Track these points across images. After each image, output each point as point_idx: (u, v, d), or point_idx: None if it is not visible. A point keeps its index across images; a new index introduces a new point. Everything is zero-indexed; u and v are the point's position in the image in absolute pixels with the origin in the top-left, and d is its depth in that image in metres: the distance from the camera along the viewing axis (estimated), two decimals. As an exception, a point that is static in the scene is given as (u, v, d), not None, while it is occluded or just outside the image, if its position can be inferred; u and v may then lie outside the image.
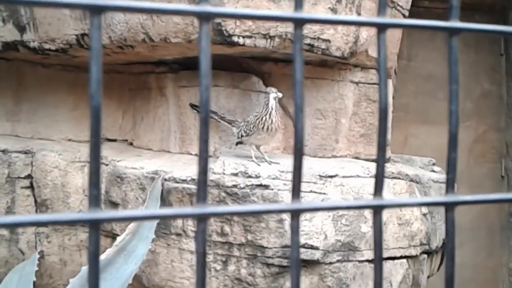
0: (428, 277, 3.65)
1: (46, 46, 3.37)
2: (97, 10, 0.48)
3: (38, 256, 3.34)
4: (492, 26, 0.62)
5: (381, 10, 0.56)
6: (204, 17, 0.51)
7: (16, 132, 3.76)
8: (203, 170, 0.53)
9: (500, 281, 5.22)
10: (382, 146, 0.57)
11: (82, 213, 0.52)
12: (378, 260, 0.57)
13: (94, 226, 0.49)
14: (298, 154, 0.55)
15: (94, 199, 0.49)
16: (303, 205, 0.56)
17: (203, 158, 0.53)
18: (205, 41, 0.52)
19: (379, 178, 0.57)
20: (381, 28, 0.56)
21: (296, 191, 0.56)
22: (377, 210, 0.57)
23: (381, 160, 0.57)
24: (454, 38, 0.60)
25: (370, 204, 0.57)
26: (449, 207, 0.58)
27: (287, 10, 3.03)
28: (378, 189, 0.57)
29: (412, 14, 3.99)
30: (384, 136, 0.57)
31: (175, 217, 0.54)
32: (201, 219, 0.52)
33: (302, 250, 2.96)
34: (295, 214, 0.56)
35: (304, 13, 0.54)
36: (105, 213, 0.49)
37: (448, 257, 0.59)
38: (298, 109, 0.55)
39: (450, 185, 0.59)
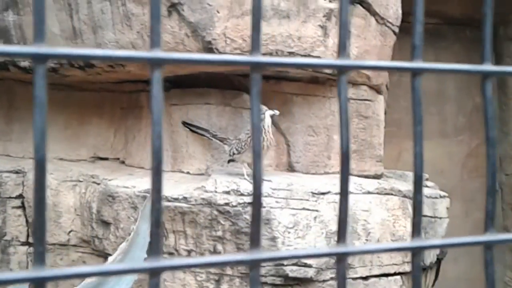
0: (423, 293, 3.63)
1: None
2: (41, 59, 0.46)
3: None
4: (456, 65, 0.62)
5: (341, 51, 0.56)
6: (156, 63, 0.50)
7: (7, 152, 3.75)
8: (156, 221, 0.51)
9: (496, 295, 5.20)
10: (345, 192, 0.56)
11: (26, 271, 0.48)
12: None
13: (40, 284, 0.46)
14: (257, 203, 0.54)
15: (39, 255, 0.46)
16: (263, 255, 0.55)
17: (156, 209, 0.51)
18: (156, 88, 0.51)
19: (342, 225, 0.56)
20: (341, 70, 0.56)
21: (255, 240, 0.54)
22: (341, 258, 0.56)
23: (343, 206, 0.56)
24: (417, 78, 0.59)
25: (333, 252, 0.56)
26: (416, 251, 0.58)
27: (277, 28, 3.04)
28: (341, 236, 0.56)
29: (402, 29, 4.01)
30: (347, 182, 0.56)
31: (125, 272, 0.52)
32: (154, 274, 0.51)
33: (295, 268, 2.95)
34: (254, 265, 0.54)
35: (261, 57, 0.53)
36: (49, 271, 0.46)
37: None
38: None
39: (416, 229, 0.58)
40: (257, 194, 0.53)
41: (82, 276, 0.49)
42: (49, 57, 0.46)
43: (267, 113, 3.07)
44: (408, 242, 0.58)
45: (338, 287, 0.55)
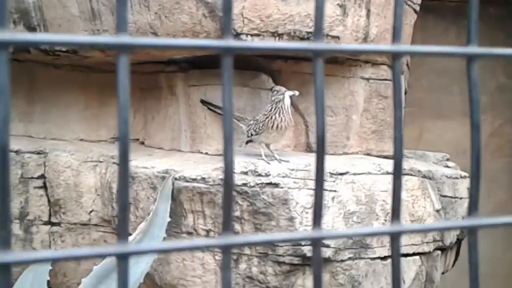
0: (443, 273, 3.62)
1: (57, 47, 3.39)
2: (2, 47, 0.45)
3: (52, 255, 3.37)
4: (440, 48, 0.61)
5: (317, 34, 0.55)
6: (122, 49, 0.49)
7: (29, 133, 3.79)
8: (124, 205, 0.50)
9: (518, 276, 5.16)
10: (320, 177, 0.56)
11: None
12: None
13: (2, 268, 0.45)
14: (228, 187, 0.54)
15: (3, 240, 0.44)
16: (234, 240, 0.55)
17: (123, 195, 0.51)
18: (123, 74, 0.50)
19: (317, 209, 0.56)
20: (317, 54, 0.55)
21: (226, 224, 0.54)
22: (316, 242, 0.56)
23: (319, 191, 0.56)
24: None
25: (308, 236, 0.56)
26: (394, 236, 0.57)
27: (295, 8, 3.02)
28: (316, 220, 0.56)
29: (424, 8, 3.95)
30: (322, 167, 0.55)
31: (93, 257, 0.51)
32: (122, 258, 0.50)
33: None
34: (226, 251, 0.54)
35: (232, 42, 0.52)
36: (14, 255, 0.44)
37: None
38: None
39: (395, 213, 0.58)
40: (228, 178, 0.53)
41: (47, 260, 0.48)
42: (10, 44, 0.45)
43: (287, 94, 3.07)
44: (387, 226, 0.58)
45: (314, 272, 0.55)
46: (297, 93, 3.10)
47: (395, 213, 0.58)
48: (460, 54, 0.60)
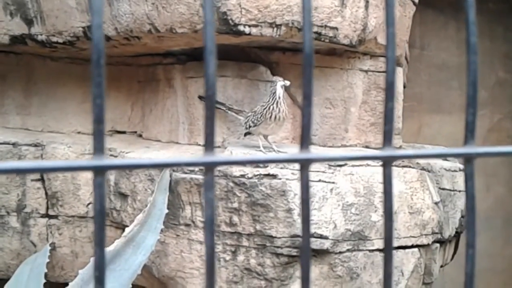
0: (442, 266, 3.60)
1: (54, 39, 3.37)
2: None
3: (49, 248, 3.36)
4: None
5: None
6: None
7: (26, 126, 3.78)
8: (98, 118, 0.50)
9: (517, 270, 5.15)
10: (308, 98, 0.54)
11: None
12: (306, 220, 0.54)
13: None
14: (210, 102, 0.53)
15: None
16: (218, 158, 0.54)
17: (99, 108, 0.50)
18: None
19: (305, 131, 0.55)
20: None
21: (209, 143, 0.53)
22: (304, 164, 0.54)
23: (307, 110, 0.55)
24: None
25: (297, 157, 0.55)
26: (387, 160, 0.56)
27: (293, -2, 3.00)
28: (304, 142, 0.55)
29: (423, 2, 3.94)
30: (310, 81, 0.54)
31: (72, 169, 0.51)
32: (98, 173, 0.50)
33: (311, 239, 2.94)
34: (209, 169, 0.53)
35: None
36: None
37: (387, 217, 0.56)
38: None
39: (387, 138, 0.57)
40: (209, 92, 0.52)
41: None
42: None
43: (279, 84, 3.04)
44: (379, 151, 0.57)
45: (302, 195, 0.54)
46: (288, 83, 3.07)
47: (387, 137, 0.57)
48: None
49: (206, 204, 0.52)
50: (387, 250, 0.61)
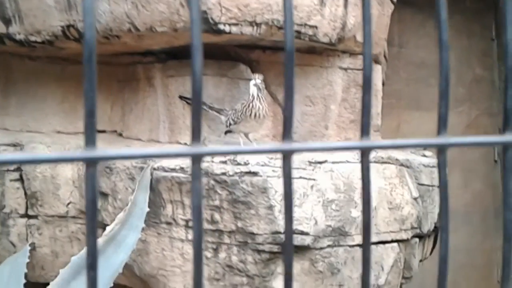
0: (421, 260, 3.65)
1: (32, 38, 3.35)
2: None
3: (29, 248, 3.34)
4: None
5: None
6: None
7: (5, 126, 3.75)
8: (90, 110, 0.51)
9: (495, 264, 5.23)
10: (289, 88, 0.56)
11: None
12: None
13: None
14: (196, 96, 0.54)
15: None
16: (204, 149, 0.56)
17: (90, 99, 0.51)
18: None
19: (288, 123, 0.56)
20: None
21: (196, 135, 0.54)
22: (287, 155, 0.56)
23: (289, 101, 0.56)
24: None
25: (280, 148, 0.57)
26: (365, 151, 0.58)
27: (272, -4, 3.01)
28: (287, 133, 0.56)
29: (401, 1, 3.98)
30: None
31: (63, 160, 0.52)
32: (90, 164, 0.51)
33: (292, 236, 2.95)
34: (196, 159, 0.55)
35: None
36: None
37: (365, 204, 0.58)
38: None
39: (365, 129, 0.59)
40: (196, 87, 0.53)
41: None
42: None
43: (251, 83, 3.07)
44: (358, 142, 0.58)
45: (284, 186, 0.55)
46: (259, 80, 3.08)
47: (364, 128, 0.58)
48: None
49: (193, 194, 0.53)
50: (365, 237, 0.63)
